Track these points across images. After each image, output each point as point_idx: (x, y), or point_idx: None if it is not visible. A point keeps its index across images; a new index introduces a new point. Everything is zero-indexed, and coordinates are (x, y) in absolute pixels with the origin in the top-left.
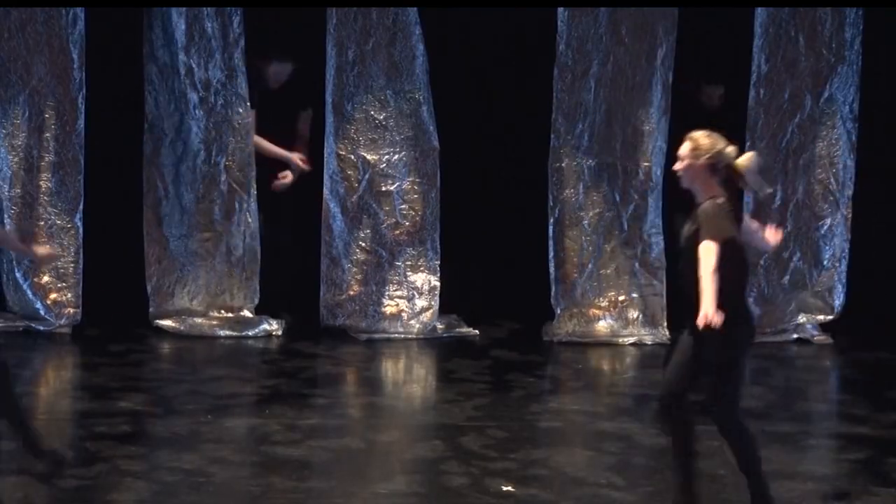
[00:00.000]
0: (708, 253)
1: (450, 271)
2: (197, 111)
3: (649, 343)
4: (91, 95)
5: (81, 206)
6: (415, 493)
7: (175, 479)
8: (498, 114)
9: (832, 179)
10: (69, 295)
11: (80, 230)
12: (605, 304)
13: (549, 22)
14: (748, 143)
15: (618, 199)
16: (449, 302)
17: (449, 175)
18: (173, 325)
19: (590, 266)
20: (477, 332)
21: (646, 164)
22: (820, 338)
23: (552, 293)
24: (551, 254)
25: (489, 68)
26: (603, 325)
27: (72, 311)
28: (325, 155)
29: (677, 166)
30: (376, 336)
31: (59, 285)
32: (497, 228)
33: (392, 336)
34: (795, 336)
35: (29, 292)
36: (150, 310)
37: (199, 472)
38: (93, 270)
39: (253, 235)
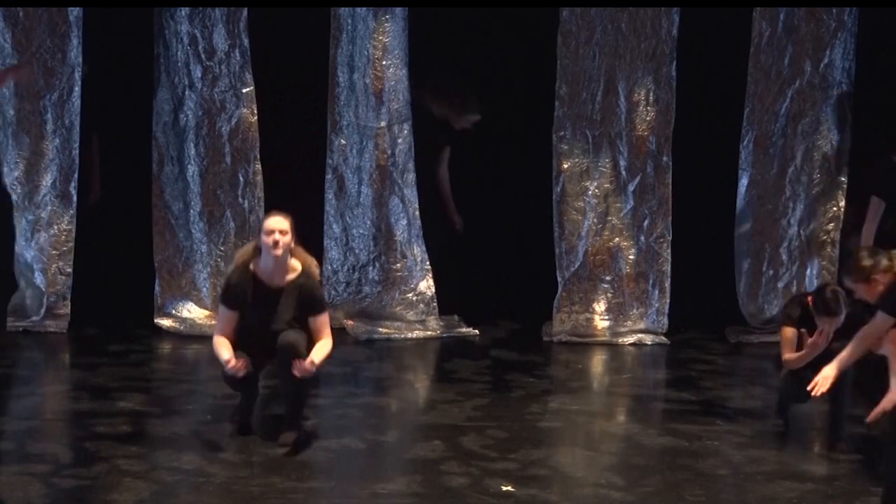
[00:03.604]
0: None
1: (450, 272)
2: (200, 81)
3: (649, 343)
4: (94, 66)
5: (76, 174)
6: (415, 493)
7: (175, 479)
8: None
9: (830, 146)
10: (61, 263)
11: (75, 197)
12: (609, 278)
13: None
14: (747, 109)
15: (623, 171)
16: (449, 302)
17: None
18: (173, 325)
19: (594, 238)
20: (477, 332)
21: (652, 135)
22: None
23: (557, 266)
24: (555, 226)
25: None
26: (603, 325)
27: (64, 278)
28: (329, 127)
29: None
30: (376, 336)
31: (52, 252)
32: (497, 229)
33: (392, 336)
34: None
35: (26, 254)
36: (157, 289)
37: (199, 472)
38: (97, 252)
39: (258, 204)
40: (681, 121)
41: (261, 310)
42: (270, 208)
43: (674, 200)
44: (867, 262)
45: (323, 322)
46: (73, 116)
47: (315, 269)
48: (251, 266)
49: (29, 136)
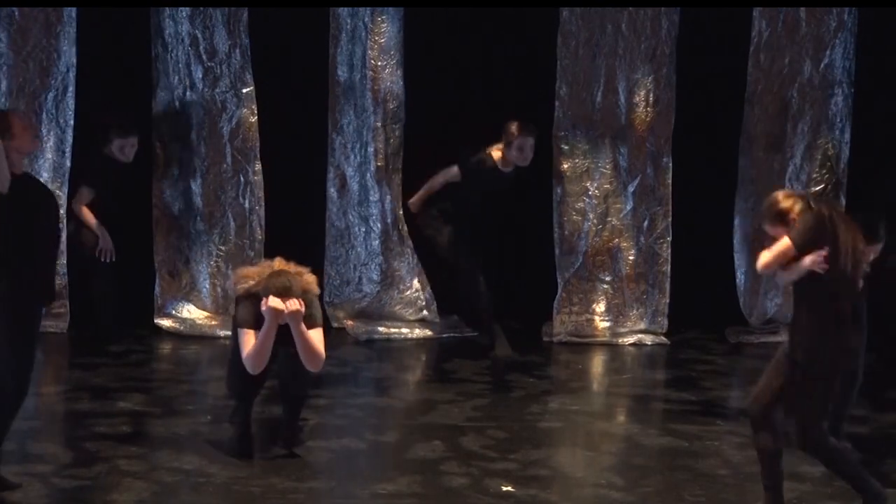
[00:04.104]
0: None
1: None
2: (201, 82)
3: (649, 343)
4: (92, 69)
5: (67, 176)
6: (415, 493)
7: (175, 479)
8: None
9: (830, 145)
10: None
11: (65, 199)
12: (609, 278)
13: None
14: (747, 109)
15: (623, 172)
16: (449, 303)
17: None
18: (173, 325)
19: (594, 238)
20: (477, 332)
21: (652, 136)
22: None
23: (556, 267)
24: (555, 227)
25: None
26: (603, 326)
27: (58, 278)
28: (329, 126)
29: None
30: (376, 336)
31: None
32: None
33: (392, 336)
34: None
35: None
36: (157, 288)
37: (199, 472)
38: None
39: (259, 204)
40: (681, 121)
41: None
42: (276, 277)
43: (674, 200)
44: (785, 205)
45: (315, 336)
46: (67, 116)
47: (314, 289)
48: (261, 299)
49: None
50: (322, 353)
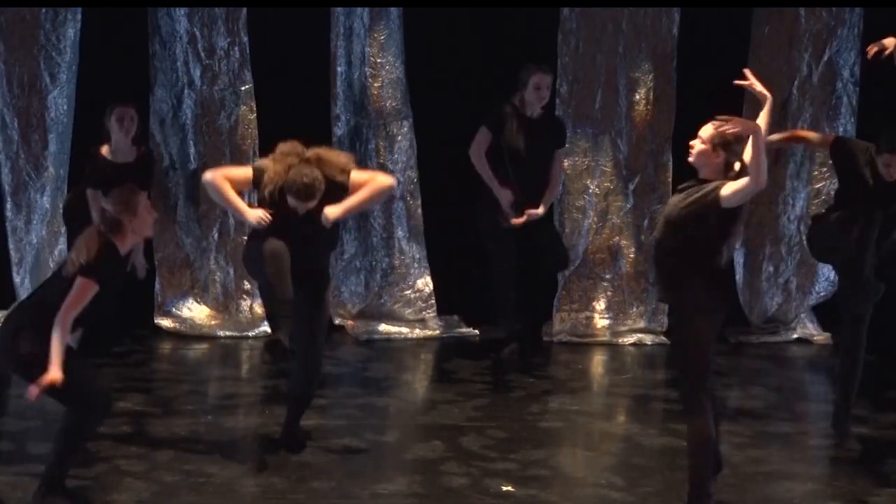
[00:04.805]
0: None
1: (450, 271)
2: (200, 80)
3: (649, 343)
4: (92, 67)
5: (68, 174)
6: (415, 493)
7: (175, 479)
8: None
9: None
10: (58, 255)
11: (64, 190)
12: (609, 276)
13: None
14: (747, 107)
15: (624, 170)
16: (449, 302)
17: (447, 172)
18: (174, 325)
19: (594, 236)
20: (477, 332)
21: (652, 134)
22: (820, 338)
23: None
24: (555, 224)
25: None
26: (603, 324)
27: None
28: (330, 124)
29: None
30: (376, 336)
31: (50, 241)
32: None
33: (392, 336)
34: (795, 336)
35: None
36: (157, 287)
37: (199, 472)
38: None
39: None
40: (681, 119)
41: (298, 228)
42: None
43: None
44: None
45: (359, 181)
46: (71, 111)
47: (342, 176)
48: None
49: (37, 132)
50: (385, 184)
